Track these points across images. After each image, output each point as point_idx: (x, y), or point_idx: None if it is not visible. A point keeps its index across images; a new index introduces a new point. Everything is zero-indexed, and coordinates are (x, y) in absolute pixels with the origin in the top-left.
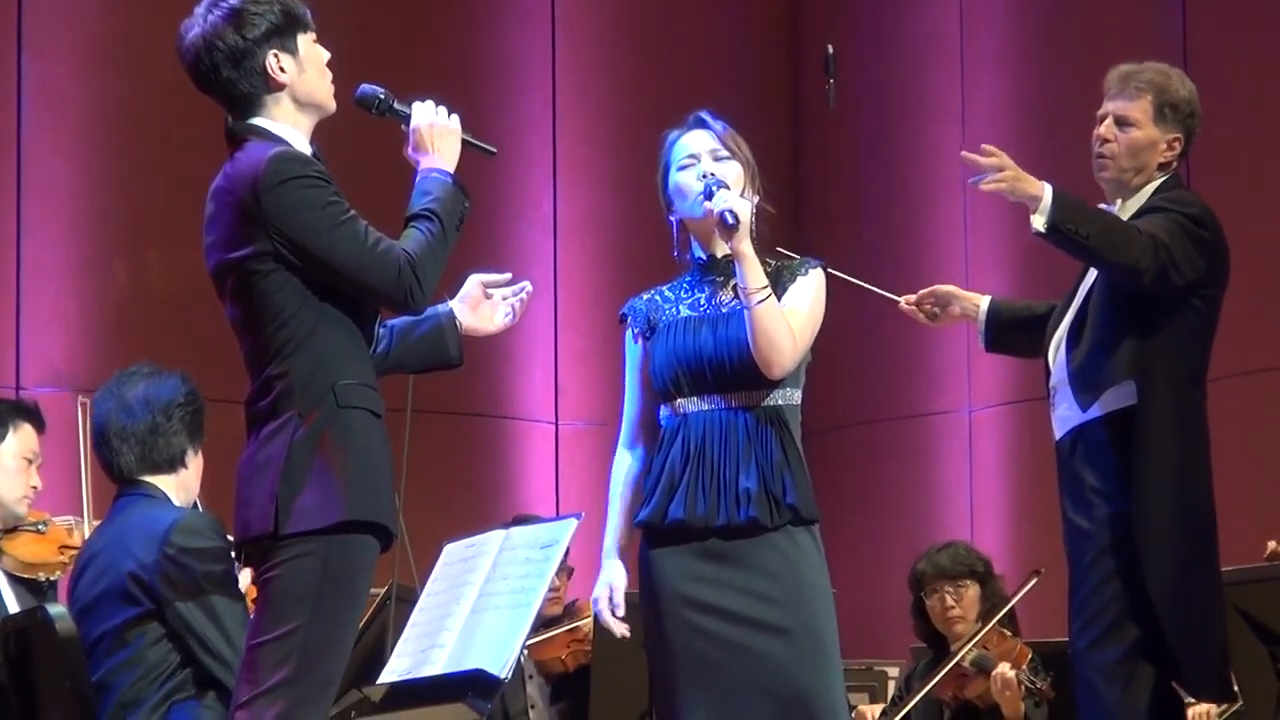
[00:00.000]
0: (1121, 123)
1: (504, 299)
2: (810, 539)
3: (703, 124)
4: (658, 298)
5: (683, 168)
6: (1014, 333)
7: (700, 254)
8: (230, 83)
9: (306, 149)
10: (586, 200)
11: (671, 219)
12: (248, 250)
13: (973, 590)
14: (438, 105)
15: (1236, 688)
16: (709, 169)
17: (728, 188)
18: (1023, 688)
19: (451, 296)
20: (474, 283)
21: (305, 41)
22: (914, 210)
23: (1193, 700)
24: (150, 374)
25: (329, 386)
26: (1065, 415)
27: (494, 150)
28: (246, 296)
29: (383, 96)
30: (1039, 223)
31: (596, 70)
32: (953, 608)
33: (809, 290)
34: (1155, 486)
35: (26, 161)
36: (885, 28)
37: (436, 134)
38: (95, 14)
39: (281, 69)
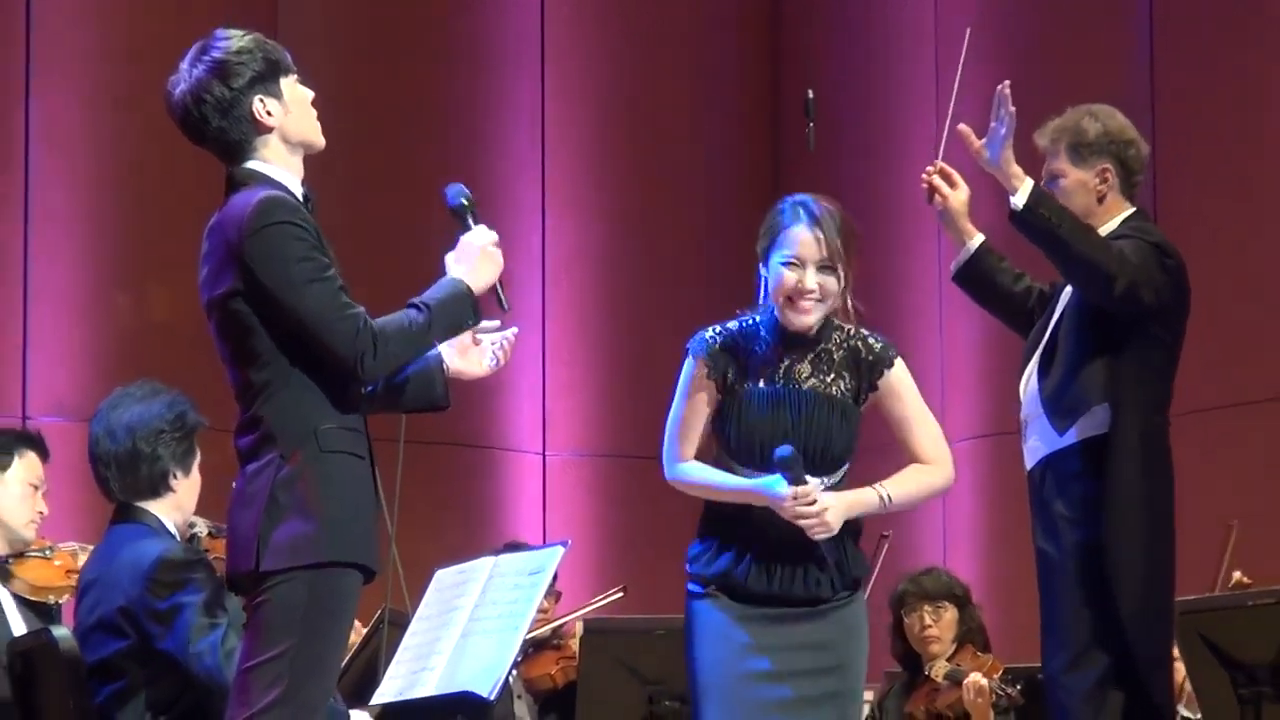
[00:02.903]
0: (1052, 178)
1: (491, 344)
2: (860, 601)
3: (815, 223)
4: (736, 350)
5: (786, 263)
6: (983, 281)
7: (779, 319)
8: (222, 131)
9: (298, 189)
10: (573, 238)
11: (760, 268)
12: (227, 288)
13: (950, 613)
14: (498, 241)
15: (1193, 714)
16: (811, 284)
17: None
18: (993, 694)
19: None
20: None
21: (288, 84)
22: (890, 248)
23: None
24: (142, 397)
25: (311, 431)
26: (1036, 446)
27: (508, 308)
28: (229, 335)
29: (467, 202)
30: (1018, 200)
31: (584, 114)
32: (930, 628)
33: (911, 390)
34: (1125, 515)
35: (33, 198)
36: (864, 73)
37: (481, 257)
38: (99, 57)
39: (268, 112)
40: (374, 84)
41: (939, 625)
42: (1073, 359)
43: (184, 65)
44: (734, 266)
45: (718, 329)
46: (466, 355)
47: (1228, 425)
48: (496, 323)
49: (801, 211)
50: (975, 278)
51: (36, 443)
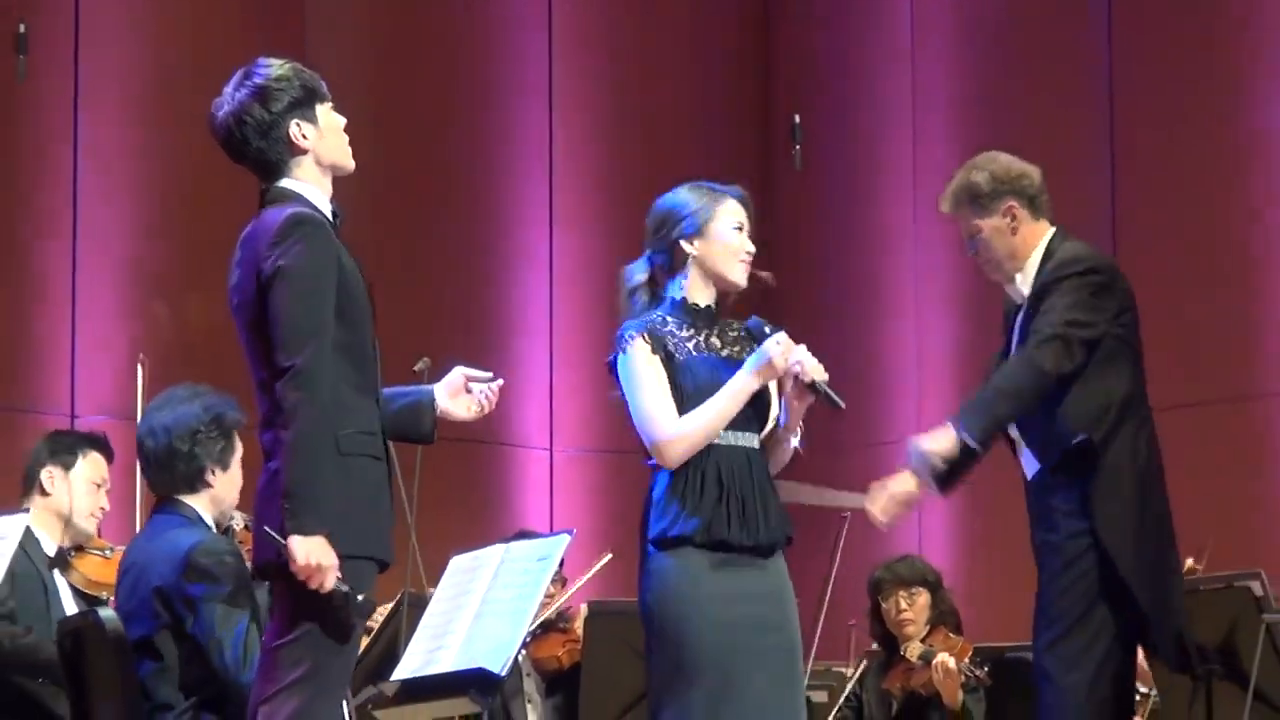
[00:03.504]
0: (969, 237)
1: (479, 392)
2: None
3: (742, 197)
4: (659, 333)
5: (738, 228)
6: (953, 473)
7: (683, 294)
8: (260, 152)
9: (327, 207)
10: (578, 249)
11: (682, 243)
12: (250, 294)
13: (924, 598)
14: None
15: (1154, 689)
16: (750, 248)
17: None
18: (961, 675)
19: (438, 380)
20: (458, 373)
21: (323, 111)
22: (870, 257)
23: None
24: (184, 398)
25: (331, 435)
26: (1029, 464)
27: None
28: (252, 337)
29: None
30: (971, 443)
31: (589, 135)
32: (905, 611)
33: None
34: (1114, 501)
35: (81, 211)
36: (846, 100)
37: (316, 575)
38: (143, 77)
39: (304, 136)
40: (395, 105)
41: (913, 609)
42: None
43: (228, 89)
44: None
45: (636, 319)
46: (455, 399)
47: (1179, 427)
48: (489, 374)
49: (723, 188)
50: (948, 476)
51: (101, 444)
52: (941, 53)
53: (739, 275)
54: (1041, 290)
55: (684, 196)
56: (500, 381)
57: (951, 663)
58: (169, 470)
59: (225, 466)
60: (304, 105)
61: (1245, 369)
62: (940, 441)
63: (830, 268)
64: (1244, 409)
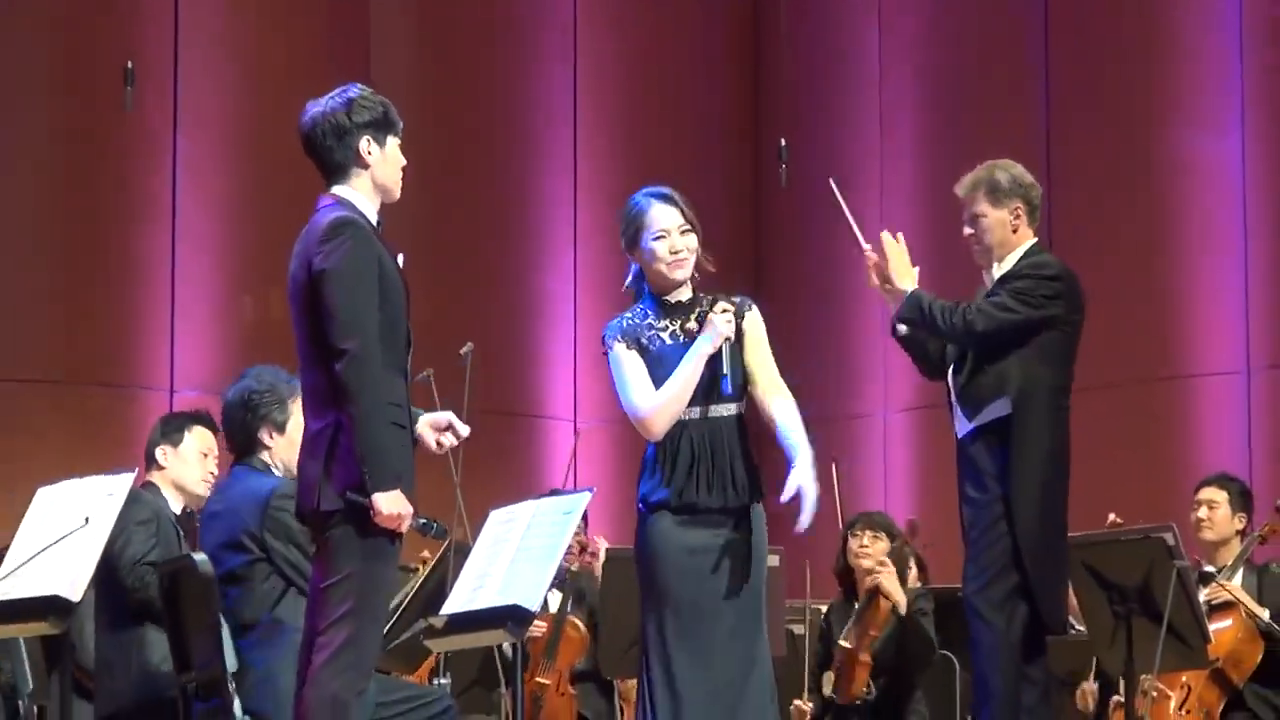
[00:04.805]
0: (973, 219)
1: (447, 437)
2: (761, 513)
3: (669, 200)
4: (634, 321)
5: (657, 238)
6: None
7: (656, 295)
8: (329, 151)
9: (373, 215)
10: (598, 254)
11: (633, 263)
12: (303, 281)
13: (884, 544)
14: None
15: (1082, 626)
16: (680, 245)
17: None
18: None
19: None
20: (446, 417)
21: (392, 142)
22: (845, 259)
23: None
24: (254, 375)
25: (385, 408)
26: (961, 424)
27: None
28: (303, 317)
29: (435, 526)
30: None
31: (608, 158)
32: (865, 547)
33: (765, 336)
34: (1026, 474)
35: (179, 217)
36: (825, 126)
37: (393, 512)
38: (233, 106)
39: (369, 153)
40: (445, 137)
41: (873, 548)
42: (977, 363)
43: (326, 96)
44: (720, 273)
45: (616, 320)
46: (431, 432)
47: (1105, 403)
48: (468, 430)
49: (650, 198)
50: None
51: (205, 419)
52: (904, 89)
53: (670, 278)
54: (1006, 278)
55: (622, 216)
56: (467, 431)
57: (883, 558)
58: (232, 435)
59: (282, 431)
60: (379, 128)
61: (1160, 353)
62: (907, 281)
63: (811, 269)
64: (1161, 388)
